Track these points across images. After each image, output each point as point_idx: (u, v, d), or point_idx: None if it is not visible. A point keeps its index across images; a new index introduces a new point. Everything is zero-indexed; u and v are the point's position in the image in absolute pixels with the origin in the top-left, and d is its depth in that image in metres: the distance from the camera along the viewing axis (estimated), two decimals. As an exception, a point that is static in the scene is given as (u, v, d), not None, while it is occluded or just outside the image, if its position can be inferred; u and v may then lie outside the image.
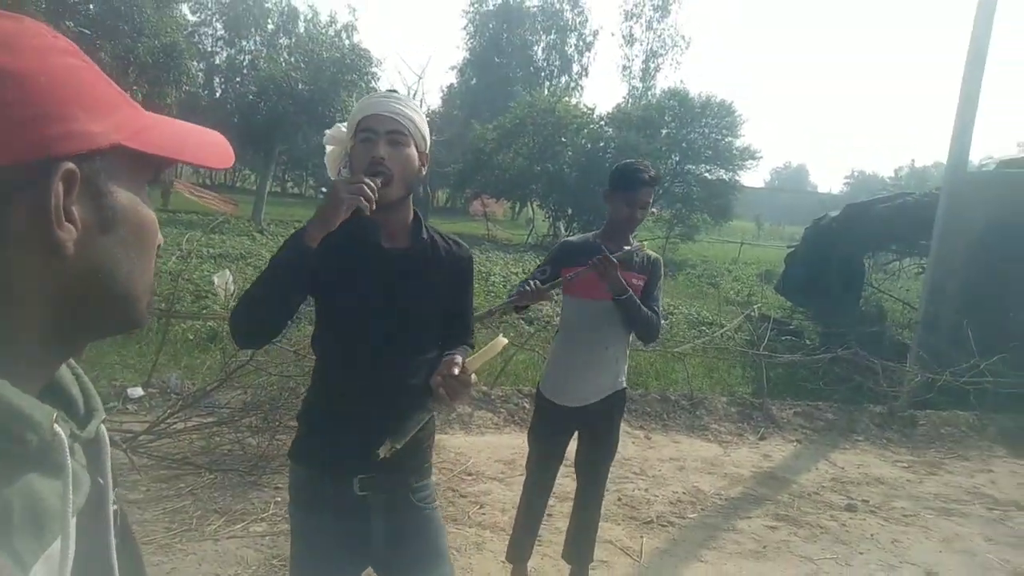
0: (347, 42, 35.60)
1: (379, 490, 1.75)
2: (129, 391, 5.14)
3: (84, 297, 0.61)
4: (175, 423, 4.49)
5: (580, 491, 3.11)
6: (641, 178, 2.85)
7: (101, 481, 0.67)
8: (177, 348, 6.68)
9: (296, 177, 44.69)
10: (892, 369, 6.75)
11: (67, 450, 0.58)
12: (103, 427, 0.68)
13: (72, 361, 0.68)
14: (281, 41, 43.58)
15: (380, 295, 1.73)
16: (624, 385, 3.01)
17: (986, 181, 8.53)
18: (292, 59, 28.84)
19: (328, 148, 1.87)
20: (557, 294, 3.16)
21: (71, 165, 0.56)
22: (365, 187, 1.54)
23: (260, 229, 19.73)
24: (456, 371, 1.57)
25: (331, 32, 40.84)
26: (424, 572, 1.82)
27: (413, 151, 1.72)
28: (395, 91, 1.82)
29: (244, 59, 42.43)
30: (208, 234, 16.11)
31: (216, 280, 7.76)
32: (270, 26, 45.98)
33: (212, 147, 0.72)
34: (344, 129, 1.82)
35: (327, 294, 1.74)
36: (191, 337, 7.15)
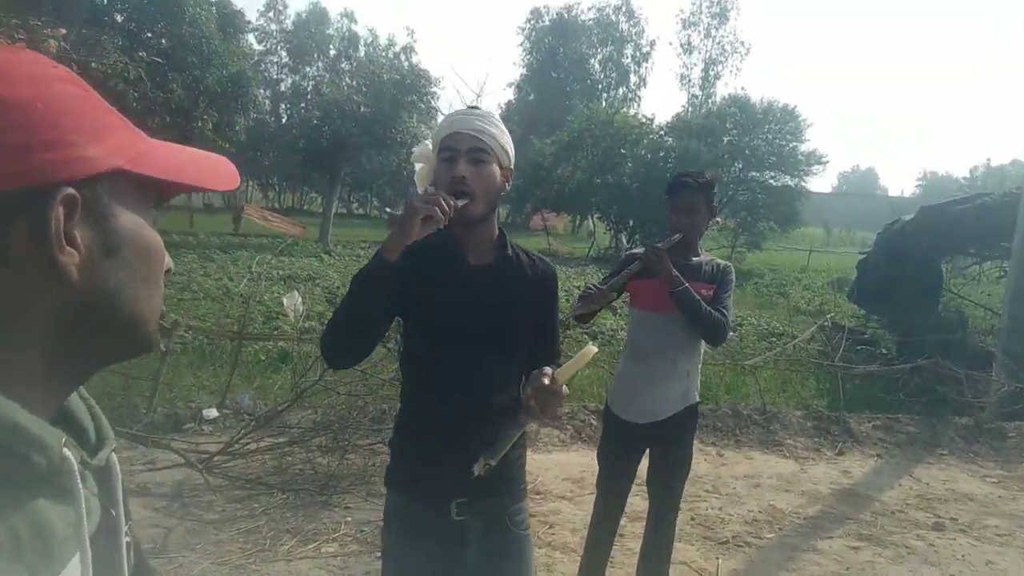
0: (406, 63, 36.28)
1: (476, 514, 1.75)
2: (204, 412, 5.29)
3: (90, 321, 0.61)
4: (248, 443, 4.59)
5: (653, 510, 3.04)
6: (684, 182, 2.85)
7: (113, 512, 0.67)
8: (250, 369, 6.84)
9: (361, 198, 45.62)
10: (977, 378, 6.47)
11: (77, 475, 0.57)
12: (114, 456, 0.68)
13: (82, 389, 0.69)
14: (343, 66, 44.72)
15: (468, 312, 1.72)
16: (696, 400, 2.93)
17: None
18: (354, 83, 29.51)
19: (417, 166, 1.87)
20: (622, 304, 3.12)
21: (71, 190, 0.56)
22: (441, 199, 1.54)
23: (327, 250, 20.16)
24: (547, 382, 1.54)
25: (390, 54, 41.70)
26: None
27: (495, 168, 1.71)
28: (477, 107, 1.82)
29: (308, 85, 43.66)
30: (277, 256, 16.58)
31: (285, 301, 7.94)
32: (332, 51, 47.24)
33: (214, 169, 0.71)
34: (430, 147, 1.82)
35: (415, 313, 1.74)
36: (263, 358, 7.32)
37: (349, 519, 3.87)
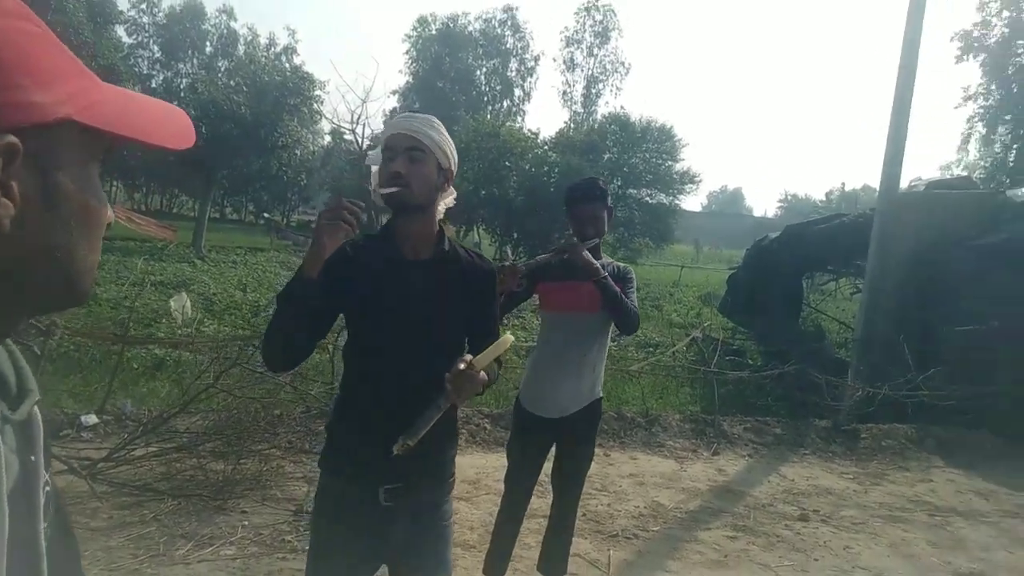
0: (288, 65, 35.40)
1: (404, 501, 1.82)
2: (83, 419, 5.02)
3: (20, 275, 0.57)
4: (134, 449, 4.41)
5: (557, 503, 3.18)
6: (583, 193, 3.00)
7: (33, 459, 0.63)
8: (123, 376, 6.53)
9: (236, 203, 44.01)
10: (835, 384, 7.02)
11: None
12: (36, 409, 0.65)
13: (8, 341, 0.65)
14: (219, 64, 43.09)
15: (404, 307, 1.79)
16: (600, 395, 3.10)
17: (916, 202, 8.98)
18: (232, 82, 28.50)
19: (373, 169, 1.93)
20: (532, 307, 3.25)
21: (12, 138, 0.52)
22: (343, 209, 1.63)
23: (201, 256, 19.36)
24: (463, 367, 1.63)
25: (271, 55, 40.54)
26: None
27: (432, 167, 1.81)
28: (417, 112, 1.92)
29: (181, 82, 41.76)
30: (150, 260, 15.79)
31: (173, 304, 7.62)
32: (208, 48, 45.42)
33: (171, 125, 0.68)
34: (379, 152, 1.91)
35: (353, 309, 1.81)
36: (136, 366, 7.00)
37: (246, 523, 3.80)
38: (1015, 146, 21.92)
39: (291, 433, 5.13)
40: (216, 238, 24.21)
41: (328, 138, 42.07)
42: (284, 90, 26.51)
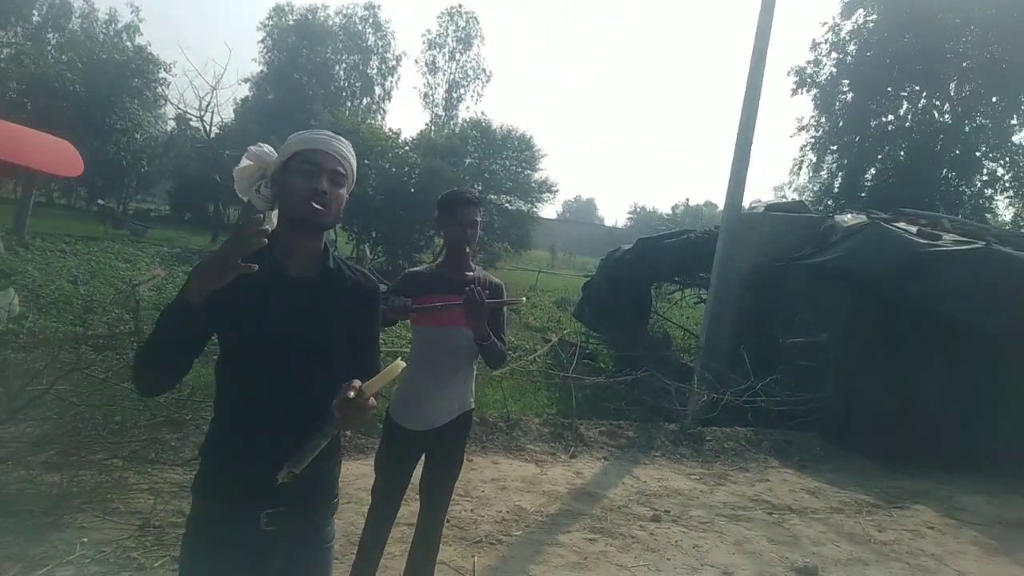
0: (130, 44, 33.10)
1: (286, 525, 1.73)
2: None
3: None
4: (-52, 461, 3.95)
5: (424, 513, 3.14)
6: (466, 198, 3.01)
7: None
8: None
9: (65, 187, 40.53)
10: (681, 390, 7.41)
11: None
12: None
13: None
14: (49, 36, 39.56)
15: (287, 324, 1.71)
16: (472, 406, 3.11)
17: (757, 221, 9.65)
18: (64, 57, 26.30)
19: (243, 163, 1.83)
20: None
21: None
22: (255, 227, 1.49)
23: (24, 244, 17.64)
24: (352, 394, 1.56)
25: (111, 31, 37.74)
26: None
27: (345, 191, 1.80)
28: (339, 136, 1.83)
29: (2, 52, 37.95)
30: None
31: (-1, 300, 6.89)
32: (36, 18, 41.57)
33: (55, 153, 0.63)
34: (268, 151, 1.82)
35: (232, 325, 1.69)
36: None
37: (85, 539, 3.49)
38: (840, 174, 24.11)
39: (135, 442, 4.76)
40: (42, 224, 22.09)
41: (173, 124, 39.76)
42: (125, 70, 24.80)
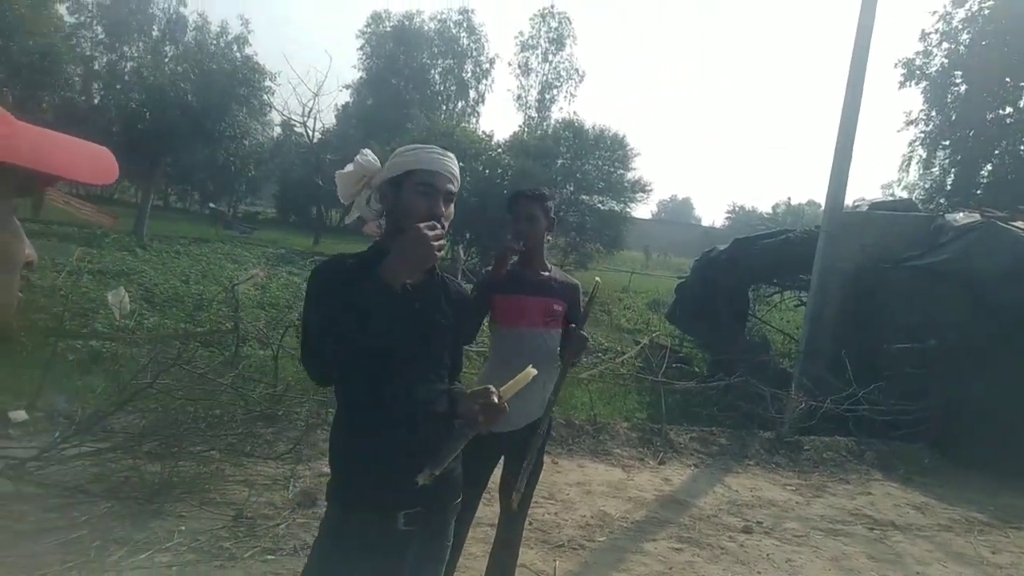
0: (239, 55, 34.67)
1: (421, 524, 1.82)
2: (11, 414, 4.77)
3: None
4: (66, 448, 4.21)
5: (504, 516, 3.13)
6: (522, 192, 3.07)
7: None
8: (57, 369, 6.25)
9: (180, 191, 42.91)
10: (779, 396, 7.14)
11: None
12: None
13: None
14: (166, 49, 41.94)
15: (407, 328, 1.80)
16: (553, 413, 3.07)
17: (860, 221, 9.21)
18: (179, 68, 27.76)
19: (348, 168, 1.93)
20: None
21: None
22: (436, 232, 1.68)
23: (143, 244, 18.75)
24: (496, 400, 1.73)
25: (222, 43, 39.63)
26: None
27: (454, 207, 1.90)
28: (449, 153, 1.91)
29: (126, 66, 40.43)
30: (87, 249, 15.21)
31: (111, 298, 7.33)
32: (155, 33, 44.17)
33: (91, 162, 0.66)
34: (372, 160, 1.91)
35: (359, 332, 1.76)
36: (71, 358, 6.71)
37: (183, 528, 3.65)
38: (953, 170, 22.77)
39: (231, 435, 4.97)
40: (159, 227, 23.43)
41: (278, 130, 41.46)
42: (234, 79, 25.98)
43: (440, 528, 1.93)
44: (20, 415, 4.89)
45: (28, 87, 19.53)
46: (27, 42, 18.89)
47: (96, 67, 40.27)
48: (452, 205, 1.87)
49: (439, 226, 1.73)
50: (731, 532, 4.76)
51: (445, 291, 1.95)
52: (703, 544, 4.50)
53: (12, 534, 3.37)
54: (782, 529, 4.90)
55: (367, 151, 1.93)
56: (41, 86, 20.35)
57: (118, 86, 34.21)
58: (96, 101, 37.66)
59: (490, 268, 3.19)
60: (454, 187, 1.86)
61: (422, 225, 1.67)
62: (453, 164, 1.88)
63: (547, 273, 3.07)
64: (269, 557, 3.54)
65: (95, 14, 41.92)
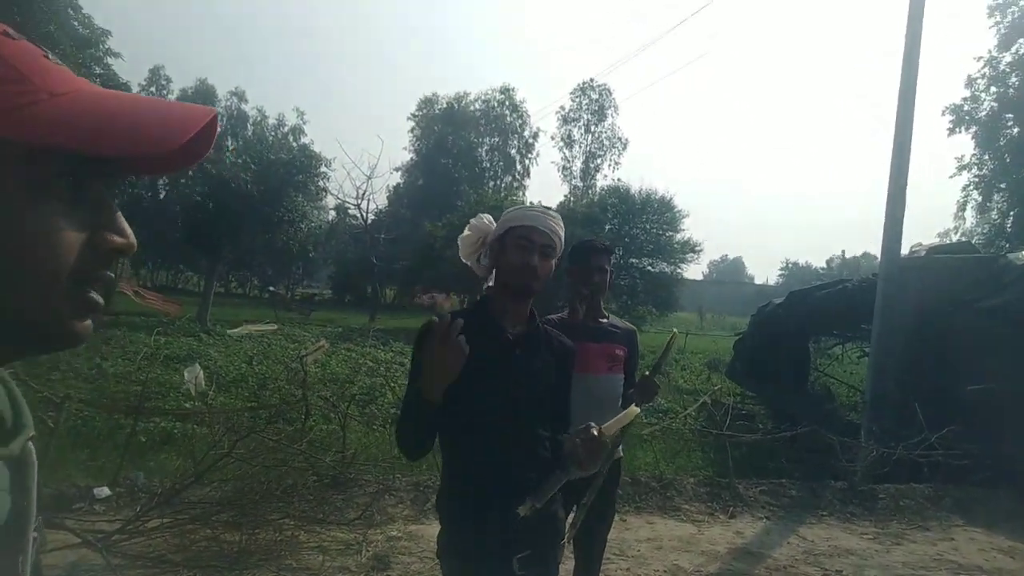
0: (295, 144, 36.23)
1: (533, 567, 1.87)
2: (96, 491, 5.00)
3: None
4: (148, 520, 4.39)
5: (580, 563, 3.17)
6: (593, 246, 3.18)
7: (25, 500, 0.59)
8: (132, 450, 6.52)
9: (240, 277, 44.37)
10: (849, 445, 6.99)
11: None
12: (31, 444, 0.61)
13: (5, 374, 0.62)
14: (228, 143, 44.11)
15: (511, 380, 1.90)
16: (621, 455, 3.14)
17: (919, 266, 9.10)
18: (239, 160, 29.11)
19: (466, 232, 2.07)
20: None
21: None
22: (453, 335, 1.73)
23: (207, 330, 19.40)
24: (596, 433, 1.75)
25: (279, 134, 41.53)
26: None
27: (555, 261, 2.00)
28: (551, 208, 2.06)
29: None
30: (154, 336, 15.82)
31: (187, 375, 7.66)
32: (218, 129, 46.53)
33: (154, 124, 0.57)
34: (487, 221, 2.05)
35: (463, 384, 1.84)
36: (144, 439, 6.99)
37: (265, 590, 3.77)
38: (1012, 212, 22.31)
39: (303, 502, 5.10)
40: (221, 312, 24.26)
41: (333, 213, 42.88)
42: (291, 167, 27.09)
43: (551, 569, 1.97)
44: (103, 491, 5.12)
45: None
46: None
47: (161, 164, 42.53)
48: (551, 259, 1.97)
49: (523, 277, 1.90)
50: (809, 582, 4.65)
51: (547, 341, 2.04)
52: (781, 594, 4.41)
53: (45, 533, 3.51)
54: (863, 577, 4.77)
55: (483, 215, 2.08)
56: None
57: (183, 180, 36.00)
58: (162, 196, 39.62)
59: (554, 317, 3.29)
60: (552, 242, 1.95)
61: (439, 324, 1.75)
62: (554, 222, 1.97)
63: (606, 320, 3.18)
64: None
65: (161, 115, 44.47)
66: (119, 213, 0.60)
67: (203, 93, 45.87)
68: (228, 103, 46.86)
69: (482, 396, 1.87)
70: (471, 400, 1.87)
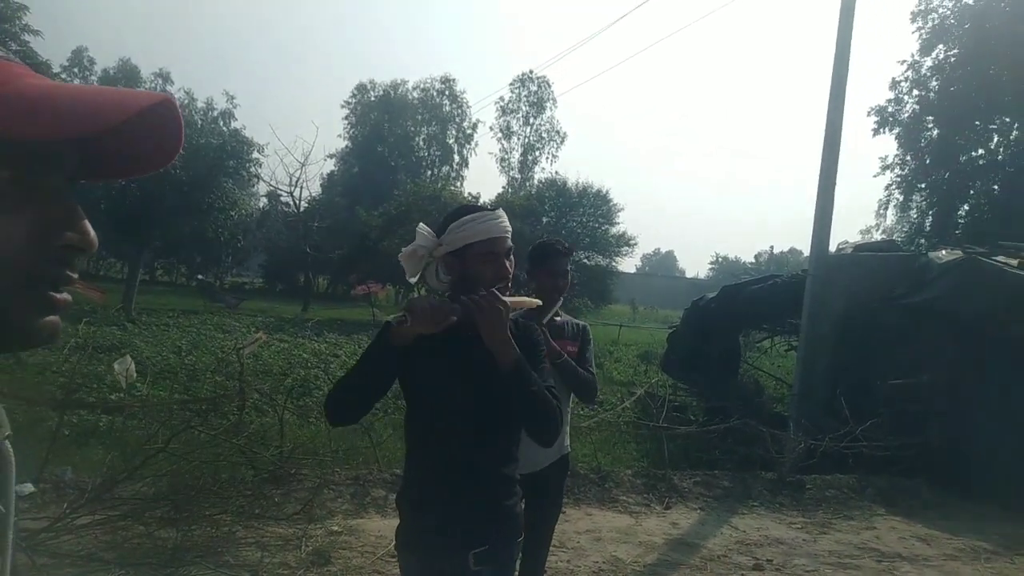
0: (226, 129, 35.22)
1: (489, 563, 1.86)
2: (19, 488, 4.76)
3: None
4: (77, 518, 4.22)
5: (526, 557, 3.17)
6: (556, 249, 3.21)
7: (2, 509, 0.58)
8: (55, 444, 6.25)
9: (166, 265, 42.92)
10: (778, 437, 7.22)
11: None
12: (8, 444, 0.59)
13: None
14: (153, 126, 42.58)
15: (471, 374, 1.87)
16: (569, 449, 3.17)
17: (847, 263, 9.43)
18: (167, 145, 28.09)
19: (409, 250, 1.97)
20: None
21: None
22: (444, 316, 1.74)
23: (131, 319, 18.72)
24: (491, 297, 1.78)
25: (208, 118, 40.28)
26: None
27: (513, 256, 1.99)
28: (498, 209, 2.00)
29: (111, 142, 40.89)
30: (75, 325, 15.21)
31: (117, 367, 7.32)
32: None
33: (89, 105, 0.53)
34: (427, 234, 1.96)
35: (418, 378, 1.86)
36: (67, 432, 6.71)
37: (200, 590, 3.67)
38: (931, 212, 23.36)
39: (241, 497, 4.99)
40: (147, 300, 23.42)
41: (264, 200, 41.86)
42: (222, 153, 26.34)
43: (506, 565, 1.96)
44: (27, 487, 4.87)
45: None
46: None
47: (82, 145, 40.71)
48: (512, 255, 1.98)
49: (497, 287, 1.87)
50: (743, 571, 4.80)
51: (513, 335, 1.98)
52: (716, 583, 4.54)
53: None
54: (792, 566, 4.94)
55: (422, 225, 2.00)
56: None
57: (105, 163, 34.51)
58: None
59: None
60: (511, 242, 1.96)
61: (494, 291, 1.80)
62: (504, 220, 1.96)
63: (560, 319, 3.21)
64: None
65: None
66: (79, 210, 0.58)
67: (126, 73, 44.16)
68: (153, 84, 45.17)
69: (444, 392, 1.87)
70: (434, 396, 1.88)
